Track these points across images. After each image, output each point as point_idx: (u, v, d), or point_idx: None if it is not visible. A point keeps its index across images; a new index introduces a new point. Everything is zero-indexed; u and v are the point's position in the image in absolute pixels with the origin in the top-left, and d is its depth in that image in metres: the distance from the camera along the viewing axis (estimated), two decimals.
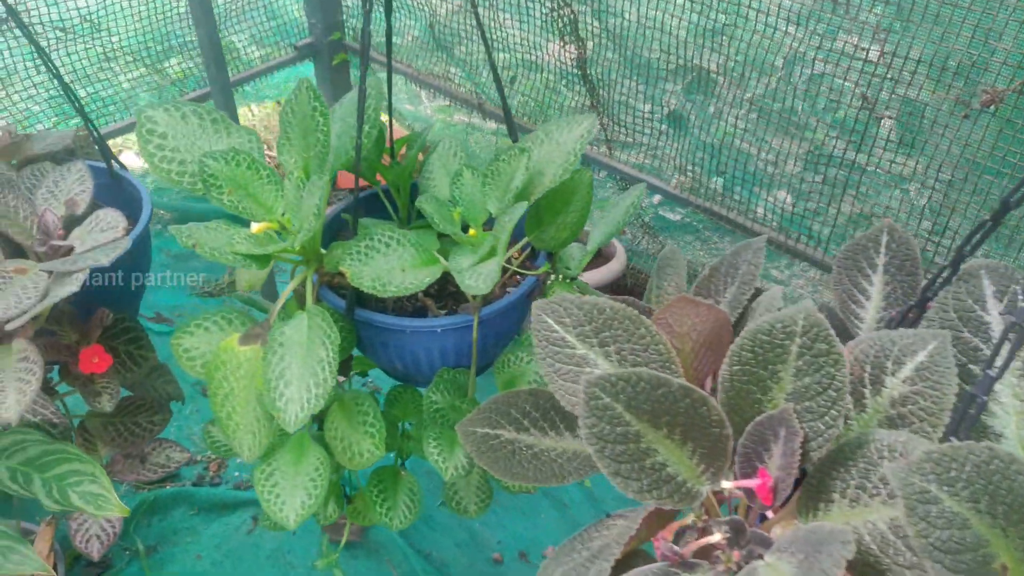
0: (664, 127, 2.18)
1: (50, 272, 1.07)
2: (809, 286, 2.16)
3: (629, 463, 0.71)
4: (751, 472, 0.75)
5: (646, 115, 2.15)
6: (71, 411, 1.32)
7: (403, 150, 1.32)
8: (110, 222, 1.10)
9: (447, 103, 2.91)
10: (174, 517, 1.90)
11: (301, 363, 1.01)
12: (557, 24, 2.17)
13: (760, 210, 1.94)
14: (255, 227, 1.01)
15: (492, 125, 2.84)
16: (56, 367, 1.23)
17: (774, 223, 1.92)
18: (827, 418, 0.69)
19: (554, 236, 1.13)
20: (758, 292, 0.93)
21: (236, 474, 2.00)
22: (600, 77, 2.18)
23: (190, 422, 2.09)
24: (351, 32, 2.82)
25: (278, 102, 3.26)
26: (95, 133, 1.28)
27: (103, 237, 1.07)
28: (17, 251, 1.15)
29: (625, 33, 2.01)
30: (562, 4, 2.09)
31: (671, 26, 1.85)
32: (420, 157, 1.24)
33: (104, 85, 2.47)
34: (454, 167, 1.15)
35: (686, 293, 0.90)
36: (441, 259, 1.06)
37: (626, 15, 1.97)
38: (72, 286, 0.97)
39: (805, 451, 0.70)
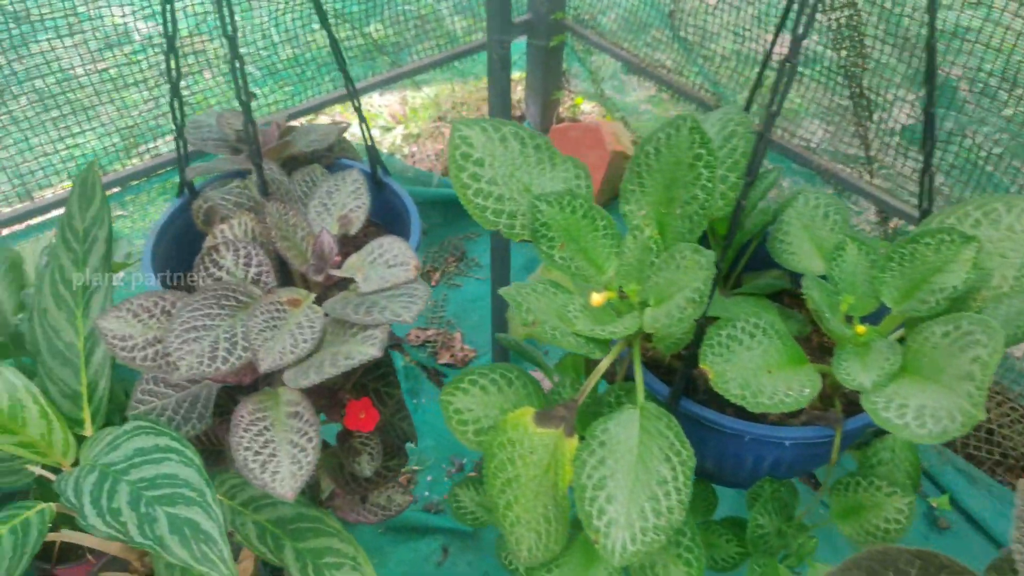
0: (896, 140, 1.88)
1: (326, 312, 0.90)
2: None
3: None
4: None
5: (870, 124, 1.86)
6: None
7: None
8: (397, 256, 0.91)
9: (657, 90, 2.65)
10: (362, 532, 1.76)
11: (631, 477, 0.80)
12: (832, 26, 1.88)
13: None
14: (596, 298, 0.80)
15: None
16: None
17: None
18: None
19: None
20: None
21: (426, 493, 1.84)
22: (821, 78, 1.87)
23: None
24: (572, 11, 2.60)
25: (467, 77, 3.07)
26: (367, 134, 1.10)
27: (390, 276, 0.89)
28: (285, 274, 0.99)
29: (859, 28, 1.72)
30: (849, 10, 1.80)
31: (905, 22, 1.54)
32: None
33: (305, 47, 2.34)
34: (825, 234, 0.90)
35: None
36: (808, 359, 0.83)
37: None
38: (371, 349, 0.79)
39: None
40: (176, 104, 1.01)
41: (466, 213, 2.45)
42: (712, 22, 2.22)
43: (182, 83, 2.09)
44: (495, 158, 0.87)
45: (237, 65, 0.83)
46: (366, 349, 0.79)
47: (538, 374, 1.90)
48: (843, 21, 1.87)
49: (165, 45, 0.95)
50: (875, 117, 1.91)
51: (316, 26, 2.40)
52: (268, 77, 2.34)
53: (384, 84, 2.37)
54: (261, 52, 2.31)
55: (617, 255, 0.85)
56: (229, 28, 0.80)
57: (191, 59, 2.08)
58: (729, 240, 0.80)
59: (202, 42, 2.24)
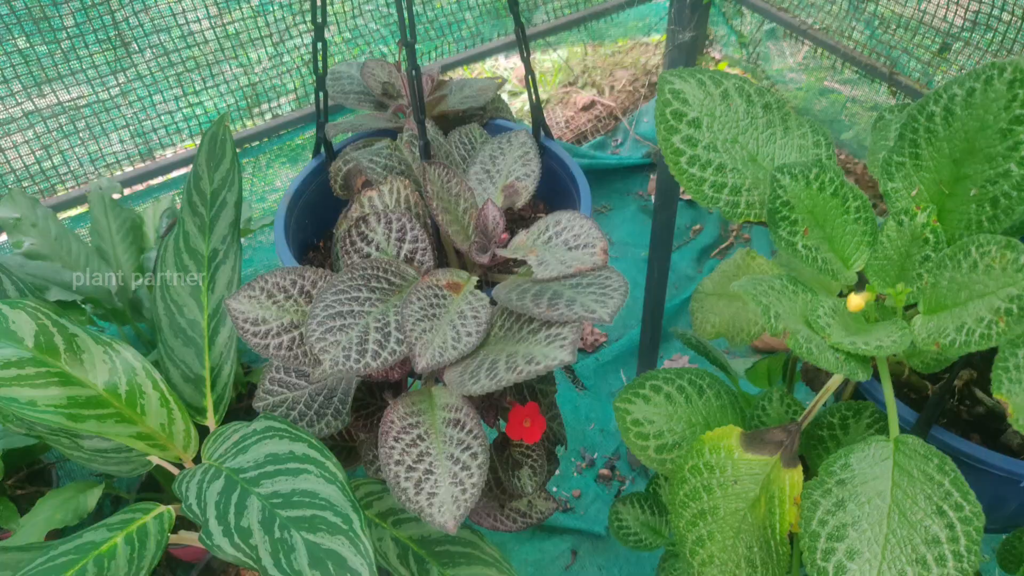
0: None
1: (494, 300, 0.75)
2: None
3: None
4: None
5: None
6: None
7: None
8: (580, 235, 0.75)
9: (813, 52, 2.38)
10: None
11: (883, 530, 0.62)
12: None
13: None
14: (855, 300, 0.62)
15: (878, 99, 2.31)
16: None
17: None
18: None
19: None
20: None
21: (554, 489, 1.70)
22: None
23: None
24: None
25: (602, 40, 2.86)
26: (534, 91, 0.94)
27: (573, 260, 0.72)
28: (439, 251, 0.84)
29: None
30: None
31: None
32: None
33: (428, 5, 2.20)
34: None
35: None
36: None
37: None
38: (561, 352, 0.63)
39: None
40: (320, 49, 0.87)
41: (596, 185, 2.25)
42: None
43: (305, 41, 1.97)
44: (714, 119, 0.69)
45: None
46: (554, 352, 0.64)
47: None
48: None
49: None
50: None
51: None
52: (391, 37, 2.21)
53: (513, 46, 2.21)
54: (381, 8, 2.19)
55: (869, 245, 0.66)
56: None
57: (309, 15, 1.96)
58: None
59: None
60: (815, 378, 0.84)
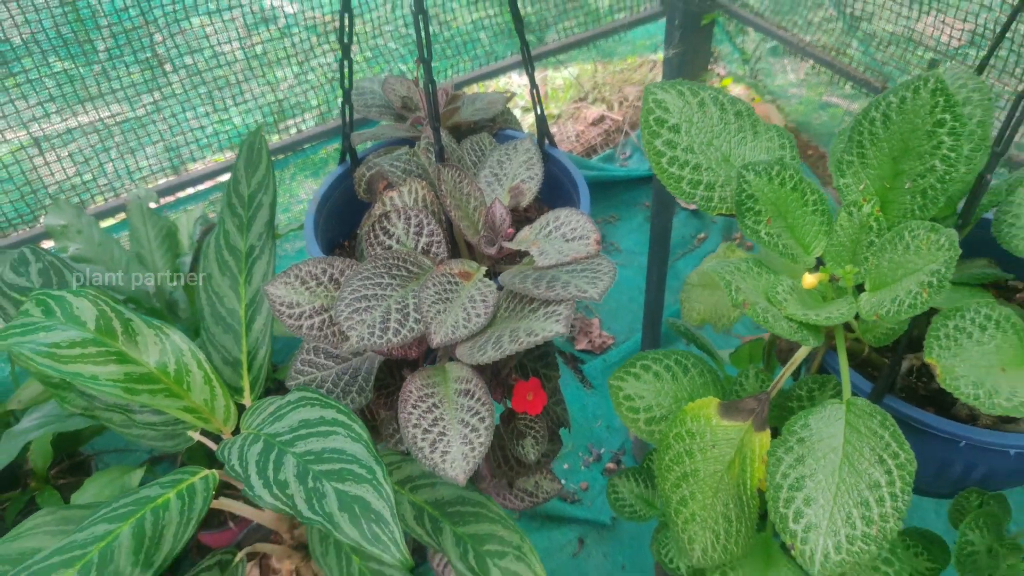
0: None
1: (500, 285, 0.85)
2: None
3: None
4: None
5: None
6: None
7: None
8: (576, 228, 0.85)
9: (812, 70, 2.49)
10: None
11: (835, 479, 0.71)
12: None
13: None
14: (809, 279, 0.72)
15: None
16: None
17: None
18: None
19: None
20: None
21: (563, 481, 1.79)
22: None
23: None
24: None
25: (611, 57, 2.97)
26: (539, 103, 1.04)
27: (569, 250, 0.83)
28: (451, 245, 0.94)
29: None
30: None
31: None
32: None
33: (444, 27, 2.32)
34: None
35: None
36: None
37: None
38: (556, 325, 0.73)
39: None
40: (346, 67, 0.98)
41: (604, 195, 2.36)
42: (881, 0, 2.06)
43: (328, 60, 2.09)
44: (692, 124, 0.79)
45: (420, 19, 0.78)
46: (550, 326, 0.74)
47: None
48: None
49: (340, 2, 0.92)
50: None
51: (455, 5, 2.38)
52: (409, 55, 2.33)
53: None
54: (400, 29, 2.31)
55: (826, 234, 0.76)
56: None
57: (332, 36, 2.08)
58: (967, 219, 0.70)
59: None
60: (787, 357, 0.94)
